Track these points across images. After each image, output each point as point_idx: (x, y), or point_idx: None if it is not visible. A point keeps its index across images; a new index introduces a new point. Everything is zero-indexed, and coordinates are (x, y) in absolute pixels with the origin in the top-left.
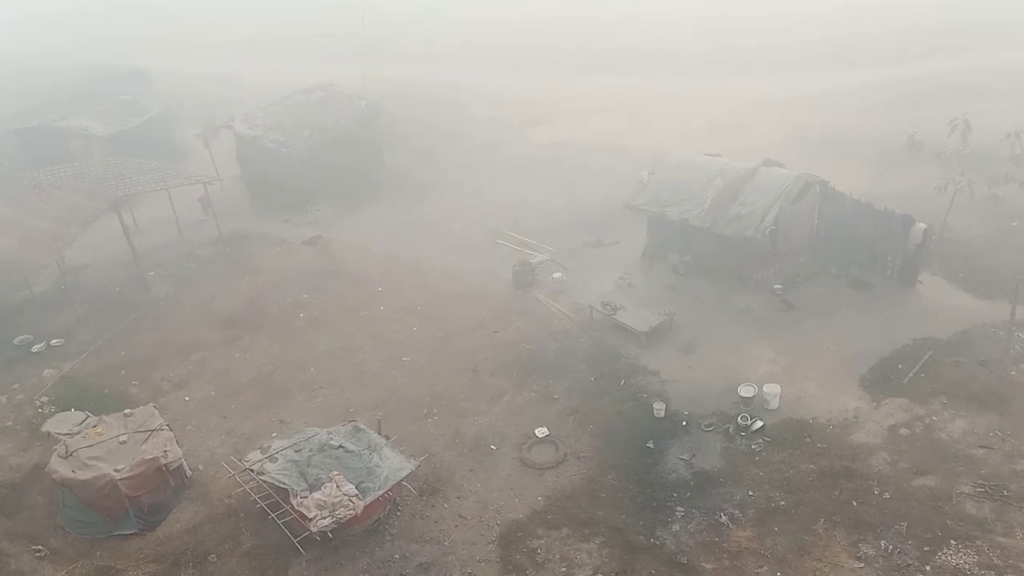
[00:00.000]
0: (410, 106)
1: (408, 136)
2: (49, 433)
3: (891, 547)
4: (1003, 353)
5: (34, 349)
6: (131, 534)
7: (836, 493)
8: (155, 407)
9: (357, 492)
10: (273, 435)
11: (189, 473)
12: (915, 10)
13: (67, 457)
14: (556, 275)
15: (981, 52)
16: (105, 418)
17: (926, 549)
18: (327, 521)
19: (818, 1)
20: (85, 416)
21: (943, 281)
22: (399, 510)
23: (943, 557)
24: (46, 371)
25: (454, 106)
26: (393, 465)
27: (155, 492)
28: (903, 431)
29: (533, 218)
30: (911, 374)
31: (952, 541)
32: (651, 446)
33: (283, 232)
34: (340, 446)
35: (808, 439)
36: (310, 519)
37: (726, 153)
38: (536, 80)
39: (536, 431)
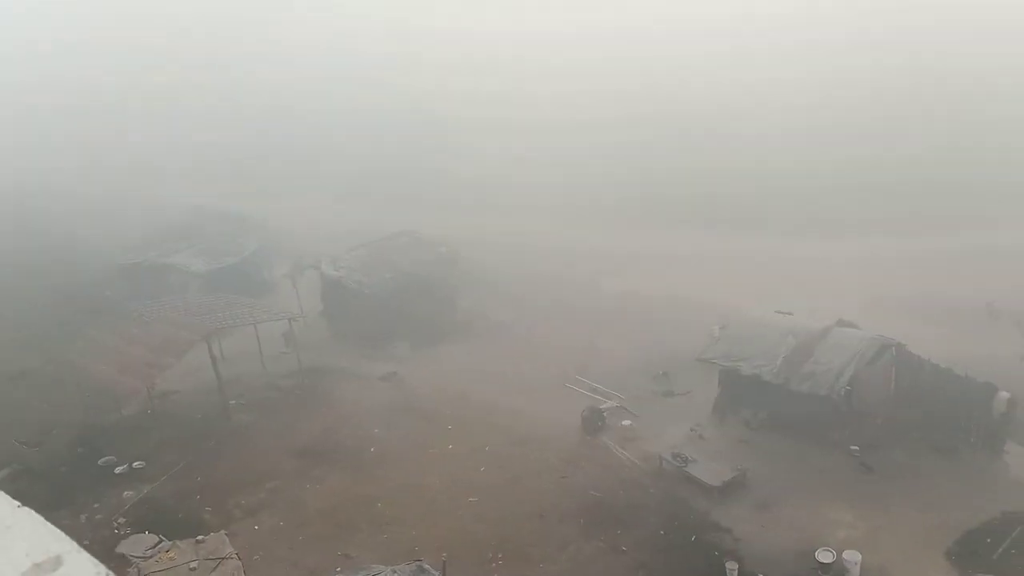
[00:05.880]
0: (487, 253)
1: (484, 280)
2: (123, 555)
3: None
4: None
5: (116, 470)
6: None
7: None
8: (226, 535)
9: None
10: (337, 570)
11: None
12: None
13: None
14: (625, 422)
15: None
16: (178, 543)
17: None
18: None
19: (887, 170)
20: (159, 540)
21: None
22: None
23: None
24: (126, 492)
25: (529, 254)
26: None
27: None
28: None
29: (602, 364)
30: (1000, 550)
31: None
32: None
33: (360, 367)
34: None
35: None
36: None
37: (797, 313)
38: (608, 231)
39: None
